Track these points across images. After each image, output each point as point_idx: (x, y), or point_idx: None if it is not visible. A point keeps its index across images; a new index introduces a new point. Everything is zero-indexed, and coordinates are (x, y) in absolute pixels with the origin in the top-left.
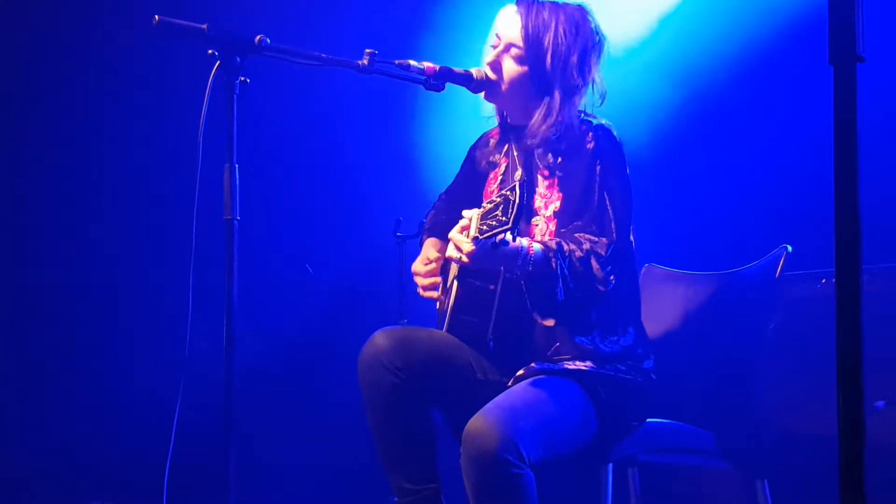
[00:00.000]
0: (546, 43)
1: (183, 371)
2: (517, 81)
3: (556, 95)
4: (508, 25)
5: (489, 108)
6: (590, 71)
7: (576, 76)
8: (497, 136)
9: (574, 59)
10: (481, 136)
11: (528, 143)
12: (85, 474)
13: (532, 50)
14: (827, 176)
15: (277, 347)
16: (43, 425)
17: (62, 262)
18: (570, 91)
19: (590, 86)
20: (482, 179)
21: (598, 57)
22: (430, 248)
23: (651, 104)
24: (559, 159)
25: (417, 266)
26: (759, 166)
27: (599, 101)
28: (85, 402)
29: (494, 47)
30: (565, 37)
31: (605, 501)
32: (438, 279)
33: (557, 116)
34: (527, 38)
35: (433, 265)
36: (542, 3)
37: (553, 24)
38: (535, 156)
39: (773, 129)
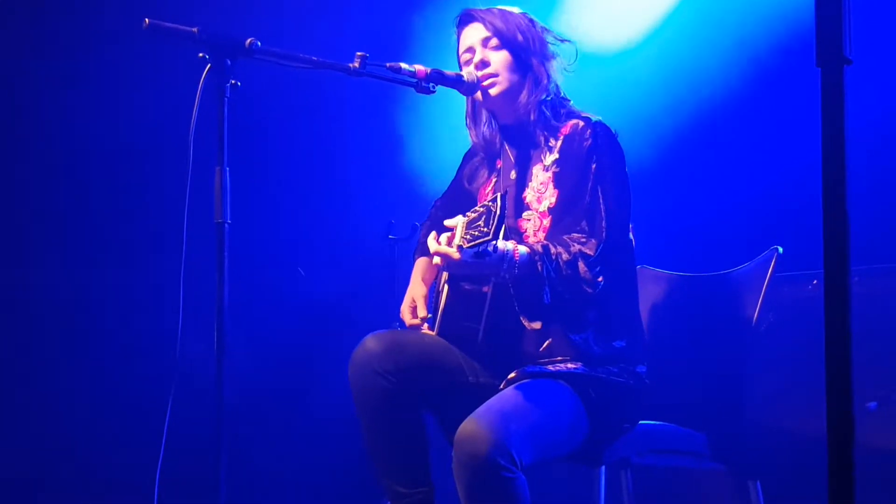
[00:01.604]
0: (511, 25)
1: (174, 374)
2: (508, 67)
3: (537, 64)
4: (475, 33)
5: (468, 125)
6: (548, 41)
7: (546, 41)
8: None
9: (537, 28)
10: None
11: (521, 114)
12: (76, 477)
13: (504, 35)
14: (816, 177)
15: (269, 351)
16: (33, 428)
17: (53, 265)
18: (546, 57)
19: (557, 57)
20: (481, 183)
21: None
22: (418, 283)
23: (643, 107)
24: (556, 155)
25: (404, 311)
26: (750, 168)
27: (574, 58)
28: (76, 405)
29: (472, 58)
30: (520, 17)
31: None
32: (425, 328)
33: (543, 81)
34: (494, 29)
35: (417, 321)
36: (486, 9)
37: (506, 14)
38: (531, 152)
39: (762, 131)
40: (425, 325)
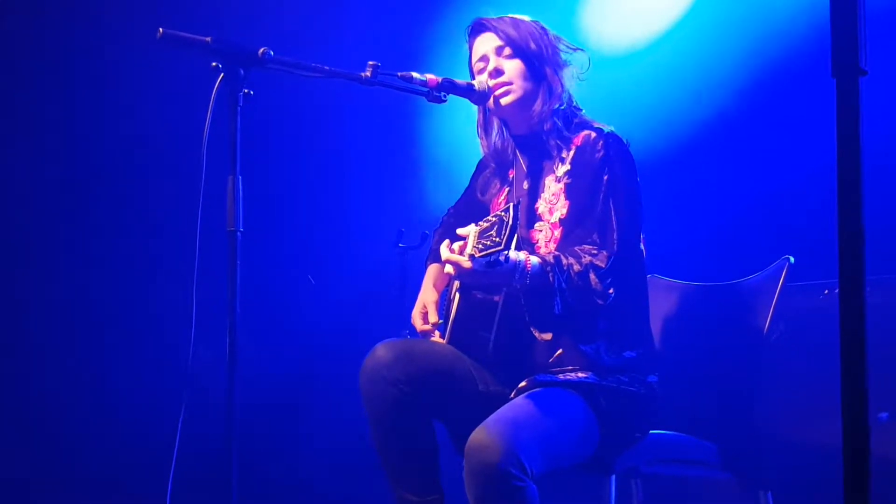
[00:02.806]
0: (523, 34)
1: (186, 382)
2: (522, 76)
3: (550, 73)
4: (488, 42)
5: (479, 135)
6: (560, 50)
7: (559, 49)
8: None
9: (549, 37)
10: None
11: (534, 124)
12: (88, 484)
13: (517, 44)
14: (830, 187)
15: (280, 358)
16: (47, 435)
17: (67, 273)
18: (559, 65)
19: (570, 65)
20: (493, 194)
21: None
22: (429, 287)
23: (654, 115)
24: (569, 167)
25: (415, 316)
26: (762, 177)
27: (587, 67)
28: (88, 412)
29: (485, 66)
30: (532, 26)
31: None
32: (438, 339)
33: (558, 90)
34: (507, 38)
35: (428, 326)
36: (498, 18)
37: (518, 22)
38: (543, 162)
39: (775, 141)
40: (436, 331)
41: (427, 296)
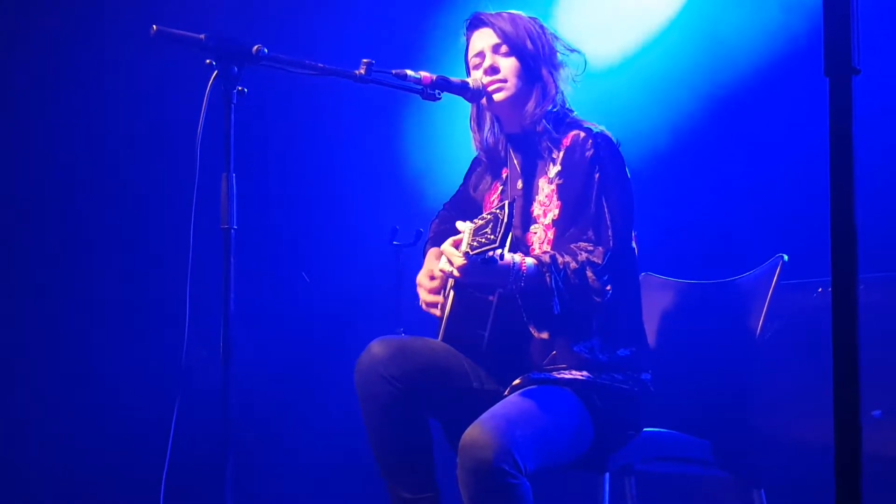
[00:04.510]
0: (521, 32)
1: (180, 380)
2: (517, 74)
3: (545, 74)
4: (485, 38)
5: (471, 128)
6: (557, 50)
7: (555, 49)
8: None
9: (546, 37)
10: None
11: (527, 124)
12: (80, 484)
13: (514, 42)
14: (823, 185)
15: (274, 356)
16: (38, 434)
17: (59, 270)
18: (555, 66)
19: (565, 66)
20: (485, 190)
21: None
22: (433, 259)
23: (648, 113)
24: (559, 167)
25: (422, 278)
26: (756, 175)
27: (583, 69)
28: (81, 410)
29: (481, 63)
30: (530, 23)
31: None
32: (440, 299)
33: (552, 92)
34: (504, 36)
35: (436, 282)
36: (497, 14)
37: (516, 19)
38: (537, 162)
39: (769, 139)
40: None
41: (433, 263)
